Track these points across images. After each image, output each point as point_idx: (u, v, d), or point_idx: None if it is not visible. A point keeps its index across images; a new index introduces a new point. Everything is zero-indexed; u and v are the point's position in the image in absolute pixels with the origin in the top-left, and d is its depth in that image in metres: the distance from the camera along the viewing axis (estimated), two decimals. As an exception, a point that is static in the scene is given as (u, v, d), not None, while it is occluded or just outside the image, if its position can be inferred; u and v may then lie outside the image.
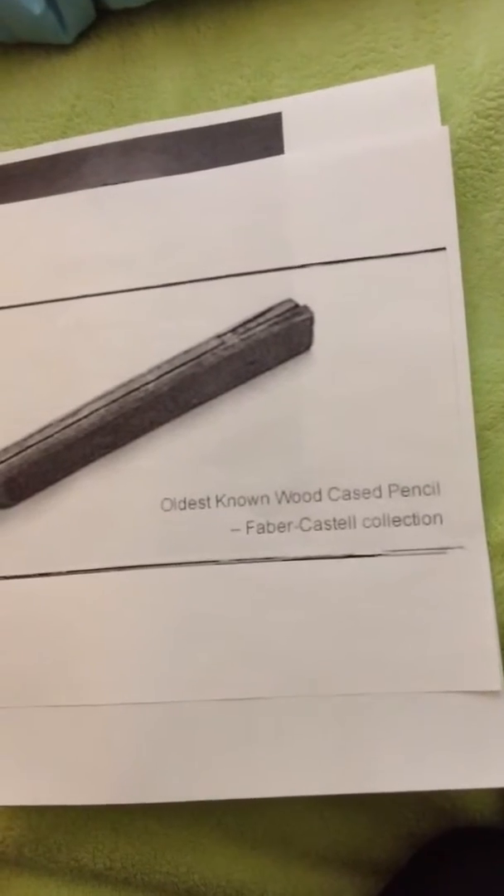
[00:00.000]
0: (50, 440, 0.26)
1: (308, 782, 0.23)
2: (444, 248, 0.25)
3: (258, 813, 0.25)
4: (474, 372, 0.25)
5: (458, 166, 0.26)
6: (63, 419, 0.26)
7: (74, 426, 0.26)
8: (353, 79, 0.28)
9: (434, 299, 0.25)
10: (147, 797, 0.24)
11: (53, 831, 0.25)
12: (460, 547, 0.24)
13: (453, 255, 0.25)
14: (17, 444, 0.26)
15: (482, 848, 0.24)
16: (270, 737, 0.24)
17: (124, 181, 0.28)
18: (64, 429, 0.26)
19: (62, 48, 0.30)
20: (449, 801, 0.24)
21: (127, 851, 0.25)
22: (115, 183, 0.28)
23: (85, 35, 0.30)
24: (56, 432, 0.26)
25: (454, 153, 0.26)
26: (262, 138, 0.27)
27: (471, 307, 0.25)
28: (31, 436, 0.26)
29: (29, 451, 0.26)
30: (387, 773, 0.23)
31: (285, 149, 0.27)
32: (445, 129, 0.25)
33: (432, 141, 0.25)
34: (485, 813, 0.25)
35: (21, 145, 0.29)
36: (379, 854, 0.25)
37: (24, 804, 0.25)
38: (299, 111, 0.27)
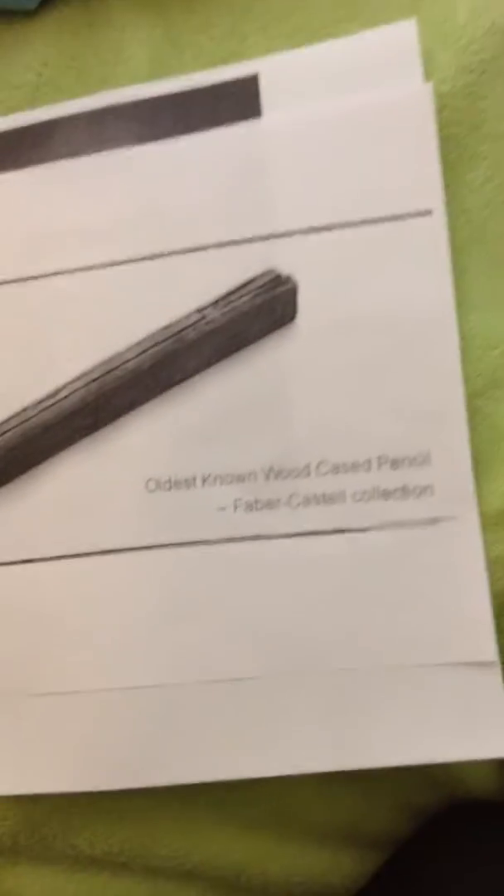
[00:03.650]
0: (28, 423, 0.25)
1: (304, 760, 0.23)
2: (430, 212, 0.24)
3: (254, 791, 0.25)
4: (463, 338, 0.24)
5: (442, 124, 0.25)
6: (41, 401, 0.25)
7: (53, 408, 0.25)
8: (329, 35, 0.26)
9: (421, 264, 0.24)
10: (142, 781, 0.23)
11: (49, 819, 0.25)
12: (452, 517, 0.23)
13: (439, 218, 0.24)
14: (-5, 428, 0.26)
15: (485, 823, 0.24)
16: (265, 716, 0.23)
17: (96, 151, 0.27)
18: (42, 411, 0.25)
19: (25, 14, 0.29)
20: (446, 772, 0.24)
21: (124, 836, 0.25)
22: (87, 154, 0.27)
23: (48, 1, 0.29)
24: (34, 415, 0.25)
25: (438, 111, 0.25)
26: (239, 101, 0.26)
27: (458, 271, 0.24)
28: (8, 420, 0.25)
29: (7, 435, 0.25)
30: (383, 747, 0.23)
31: (263, 111, 0.26)
32: (429, 85, 0.24)
33: (415, 98, 0.24)
34: (483, 783, 0.24)
35: (-12, 117, 0.28)
36: (377, 827, 0.25)
37: (18, 793, 0.24)
38: (276, 72, 0.26)
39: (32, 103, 0.28)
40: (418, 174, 0.24)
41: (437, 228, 0.24)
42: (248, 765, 0.23)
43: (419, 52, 0.25)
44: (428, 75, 0.25)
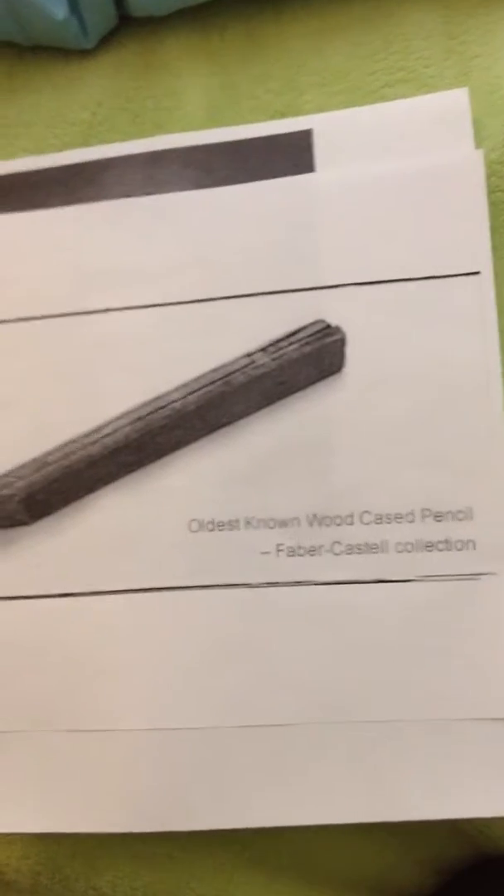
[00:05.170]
0: (72, 457, 0.25)
1: (337, 810, 0.23)
2: (478, 273, 0.25)
3: (283, 839, 0.25)
4: (505, 397, 0.24)
5: (490, 190, 0.26)
6: (86, 436, 0.25)
7: (97, 443, 0.25)
8: (383, 97, 0.27)
9: (467, 324, 0.25)
10: (171, 825, 0.23)
11: (71, 859, 0.25)
12: (493, 573, 0.23)
13: (487, 279, 0.25)
14: (36, 460, 0.26)
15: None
16: (298, 764, 0.23)
17: (149, 193, 0.27)
18: (86, 446, 0.25)
19: (82, 53, 0.30)
20: (475, 827, 0.24)
21: (148, 880, 0.25)
22: (140, 195, 0.27)
23: (106, 41, 0.30)
24: (78, 449, 0.25)
25: (487, 177, 0.26)
26: (293, 155, 0.27)
27: (502, 332, 0.25)
28: (51, 452, 0.26)
29: (50, 467, 0.25)
30: (416, 800, 0.23)
31: (316, 166, 0.26)
32: (480, 152, 0.25)
33: (467, 164, 0.25)
34: (512, 840, 0.25)
35: (41, 152, 0.29)
36: (403, 880, 0.25)
37: (42, 832, 0.24)
38: (331, 128, 0.26)
39: (86, 141, 0.29)
40: (468, 236, 0.25)
41: (484, 289, 0.25)
42: (279, 813, 0.23)
43: (471, 120, 0.26)
44: (477, 142, 0.26)
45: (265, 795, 0.23)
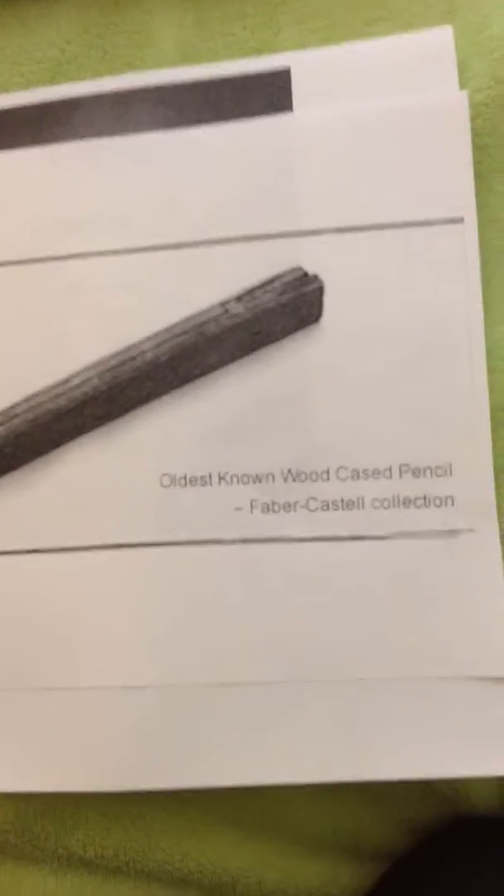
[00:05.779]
0: (38, 409, 0.24)
1: (311, 769, 0.23)
2: (461, 219, 0.24)
3: (256, 799, 0.24)
4: (488, 350, 0.24)
5: (474, 133, 0.25)
6: (53, 387, 0.25)
7: (65, 395, 0.24)
8: (364, 35, 0.26)
9: (450, 272, 0.24)
10: (144, 784, 0.23)
11: (41, 817, 0.24)
12: (471, 530, 0.23)
13: (471, 226, 0.24)
14: (2, 412, 0.25)
15: (489, 839, 0.24)
16: (273, 722, 0.23)
17: (120, 133, 0.26)
18: (54, 398, 0.24)
19: (50, -14, 0.28)
20: (452, 788, 0.24)
21: (119, 838, 0.24)
22: (111, 135, 0.26)
23: (75, -27, 0.28)
24: (45, 401, 0.24)
25: (471, 120, 0.25)
26: (270, 94, 0.25)
27: (485, 282, 0.24)
28: (17, 404, 0.25)
29: (15, 420, 0.25)
30: (392, 760, 0.23)
31: (294, 106, 0.25)
32: (464, 93, 0.24)
33: (451, 105, 0.24)
34: (488, 800, 0.24)
35: (6, 90, 0.27)
36: (377, 840, 0.25)
37: (12, 791, 0.24)
38: (309, 67, 0.25)
39: (54, 79, 0.27)
40: (451, 181, 0.24)
41: (468, 237, 0.24)
42: (252, 772, 0.23)
43: (455, 60, 0.25)
44: (462, 83, 0.25)
45: (239, 754, 0.23)
